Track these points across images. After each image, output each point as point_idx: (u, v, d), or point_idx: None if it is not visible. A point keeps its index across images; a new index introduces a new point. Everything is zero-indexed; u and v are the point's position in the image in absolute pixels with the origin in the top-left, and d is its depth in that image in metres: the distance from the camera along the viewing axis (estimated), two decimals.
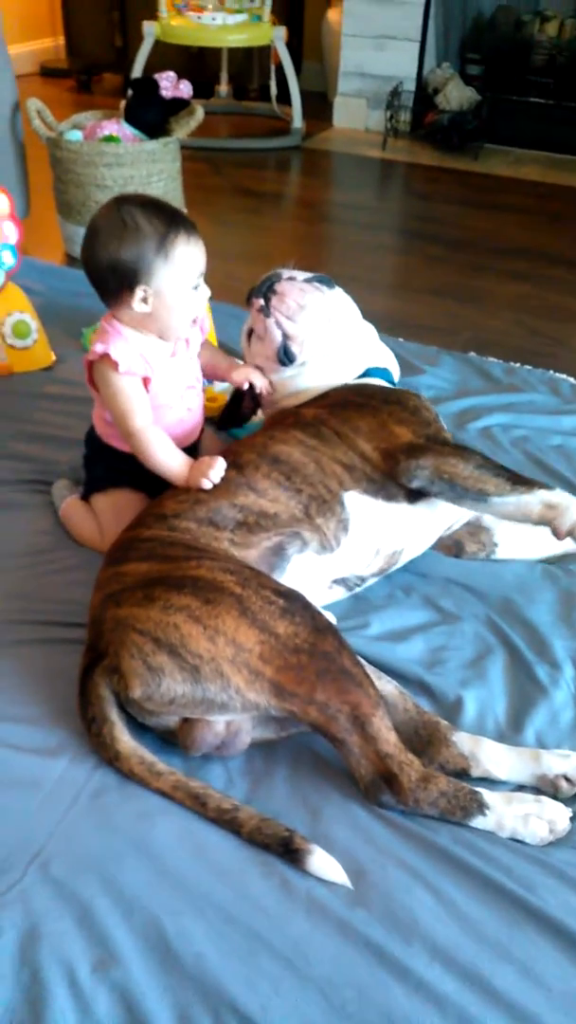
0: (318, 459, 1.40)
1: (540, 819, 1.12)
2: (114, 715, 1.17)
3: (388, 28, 4.27)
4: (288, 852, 1.06)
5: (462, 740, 1.20)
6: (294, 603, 1.19)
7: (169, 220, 1.40)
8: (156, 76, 2.92)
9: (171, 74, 2.94)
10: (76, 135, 2.80)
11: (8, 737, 1.21)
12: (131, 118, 2.87)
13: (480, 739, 1.21)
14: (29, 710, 1.26)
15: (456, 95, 4.21)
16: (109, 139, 2.77)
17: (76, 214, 2.84)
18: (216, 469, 1.36)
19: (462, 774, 1.18)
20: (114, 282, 1.42)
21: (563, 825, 1.12)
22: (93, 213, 2.79)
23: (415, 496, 1.42)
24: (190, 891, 1.02)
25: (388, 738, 1.13)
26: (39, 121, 2.81)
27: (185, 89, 2.95)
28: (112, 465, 1.58)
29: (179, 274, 1.41)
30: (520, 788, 1.19)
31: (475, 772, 1.18)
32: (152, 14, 4.08)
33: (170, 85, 2.91)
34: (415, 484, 1.39)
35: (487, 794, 1.13)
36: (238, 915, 1.00)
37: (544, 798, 1.14)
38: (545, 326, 2.66)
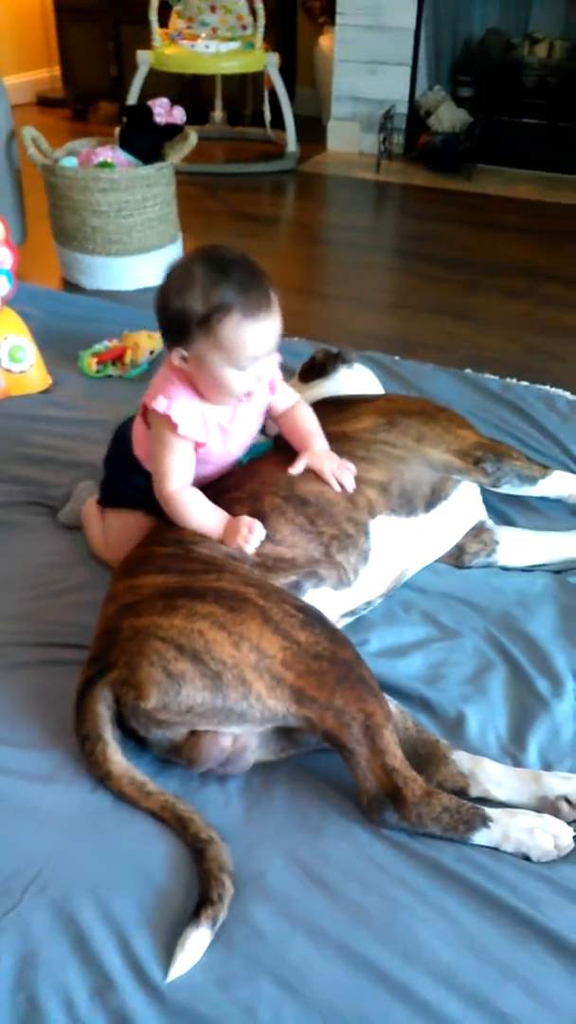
0: (351, 493, 1.41)
1: (545, 832, 1.10)
2: (108, 734, 1.16)
3: (379, 53, 4.32)
4: (205, 904, 1.00)
5: (461, 759, 1.19)
6: (312, 617, 1.20)
7: (234, 293, 1.24)
8: (150, 102, 2.95)
9: (164, 100, 2.97)
10: (71, 162, 2.83)
11: (5, 761, 1.20)
12: (125, 144, 2.90)
13: (480, 759, 1.19)
14: (26, 734, 1.25)
15: (448, 117, 4.25)
16: (104, 165, 2.80)
17: (72, 240, 2.86)
18: (255, 536, 1.31)
19: (460, 793, 1.16)
20: (161, 326, 1.34)
21: (567, 841, 1.10)
22: (90, 239, 2.79)
23: (430, 505, 1.49)
24: (186, 916, 1.00)
25: (396, 753, 1.12)
26: (34, 149, 2.84)
27: (178, 115, 2.98)
28: (135, 486, 1.52)
29: (221, 353, 1.28)
30: None
31: (474, 791, 1.17)
32: (146, 43, 4.13)
33: (164, 111, 2.94)
34: (495, 477, 1.57)
35: (490, 809, 1.12)
36: (237, 940, 0.99)
37: (547, 815, 1.13)
38: (543, 342, 2.67)
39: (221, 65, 4.11)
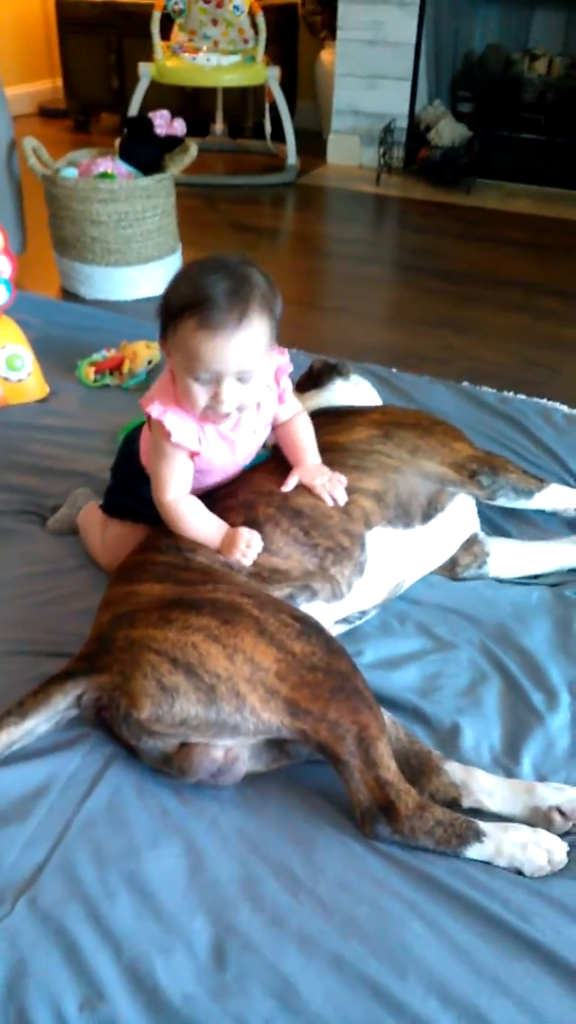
0: (346, 503, 1.40)
1: (539, 847, 1.10)
2: (30, 722, 1.16)
3: (380, 67, 4.35)
4: None
5: (453, 769, 1.19)
6: (309, 627, 1.20)
7: (206, 296, 1.20)
8: (150, 114, 2.97)
9: (165, 112, 2.99)
10: (71, 172, 2.84)
11: None
12: (126, 155, 2.91)
13: (472, 769, 1.19)
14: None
15: (448, 131, 4.28)
16: (104, 176, 2.81)
17: (72, 249, 2.87)
18: (253, 548, 1.31)
19: (452, 804, 1.16)
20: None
21: (560, 856, 1.10)
22: (89, 249, 2.81)
23: (427, 517, 1.49)
24: (179, 927, 1.00)
25: (389, 765, 1.12)
26: (35, 159, 2.86)
27: (179, 127, 3.00)
28: (141, 498, 1.48)
29: (180, 354, 1.25)
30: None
31: (466, 802, 1.17)
32: (148, 56, 4.15)
33: (164, 123, 2.96)
34: (490, 490, 1.57)
35: (483, 823, 1.11)
36: (228, 951, 0.98)
37: (540, 830, 1.12)
38: (540, 356, 2.68)
39: (222, 78, 4.14)
